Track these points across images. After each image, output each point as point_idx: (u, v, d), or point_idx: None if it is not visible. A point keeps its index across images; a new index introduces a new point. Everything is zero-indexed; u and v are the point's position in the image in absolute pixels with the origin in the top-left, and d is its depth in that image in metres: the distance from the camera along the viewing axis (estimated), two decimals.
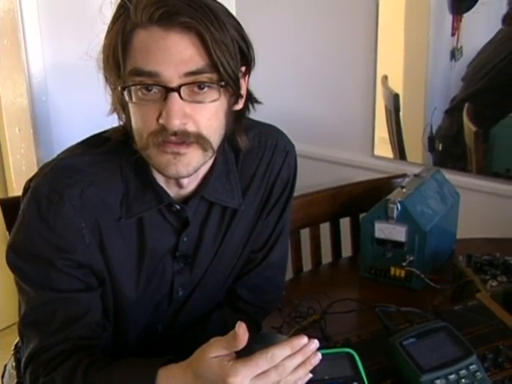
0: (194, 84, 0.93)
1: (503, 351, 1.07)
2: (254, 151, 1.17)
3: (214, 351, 0.88)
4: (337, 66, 2.36)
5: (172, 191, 1.08)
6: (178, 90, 0.92)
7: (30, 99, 2.10)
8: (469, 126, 2.08)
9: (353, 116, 2.37)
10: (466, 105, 2.08)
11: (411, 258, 1.49)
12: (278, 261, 1.29)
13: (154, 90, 0.93)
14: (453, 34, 2.05)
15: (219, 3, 0.96)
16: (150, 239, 1.09)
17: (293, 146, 1.24)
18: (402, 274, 1.51)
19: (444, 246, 1.62)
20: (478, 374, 0.99)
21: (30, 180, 1.05)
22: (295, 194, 1.30)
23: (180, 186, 1.07)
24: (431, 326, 1.07)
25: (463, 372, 0.98)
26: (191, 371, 0.91)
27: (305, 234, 1.78)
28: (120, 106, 1.00)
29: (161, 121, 0.93)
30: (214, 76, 0.94)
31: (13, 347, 1.36)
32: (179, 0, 0.90)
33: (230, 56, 0.94)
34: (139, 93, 0.94)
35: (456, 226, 1.70)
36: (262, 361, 0.86)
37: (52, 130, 2.17)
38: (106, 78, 0.99)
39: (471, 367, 0.99)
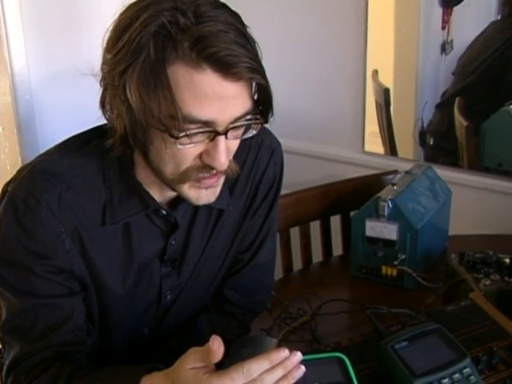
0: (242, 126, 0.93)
1: (497, 353, 1.05)
2: (239, 149, 1.14)
3: (191, 363, 0.86)
4: (326, 60, 2.33)
5: (159, 195, 1.04)
6: (226, 133, 0.90)
7: (13, 97, 2.06)
8: (460, 121, 2.06)
9: (343, 111, 2.34)
10: (457, 99, 2.06)
11: (403, 257, 1.48)
12: (266, 261, 1.27)
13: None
14: (443, 28, 2.02)
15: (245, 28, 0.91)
16: (137, 244, 1.06)
17: (279, 144, 1.21)
18: (394, 272, 1.49)
19: (436, 244, 1.60)
20: (472, 377, 0.96)
21: (8, 183, 1.02)
22: (284, 191, 1.28)
23: (166, 189, 1.03)
24: (423, 329, 1.04)
25: (457, 376, 0.96)
26: (170, 381, 0.88)
27: (294, 232, 1.75)
28: (128, 121, 0.90)
29: (207, 161, 0.92)
30: (258, 114, 0.93)
31: None
32: (234, 43, 0.85)
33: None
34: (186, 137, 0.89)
35: (448, 223, 1.69)
36: (238, 375, 0.83)
37: (37, 129, 2.12)
38: (122, 93, 0.88)
39: (465, 371, 0.97)
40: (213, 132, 0.89)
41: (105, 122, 1.01)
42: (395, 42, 2.16)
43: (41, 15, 2.07)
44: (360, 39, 2.21)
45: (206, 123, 0.87)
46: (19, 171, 1.02)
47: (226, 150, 0.91)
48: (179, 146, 0.89)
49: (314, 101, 2.39)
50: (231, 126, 0.90)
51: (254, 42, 0.90)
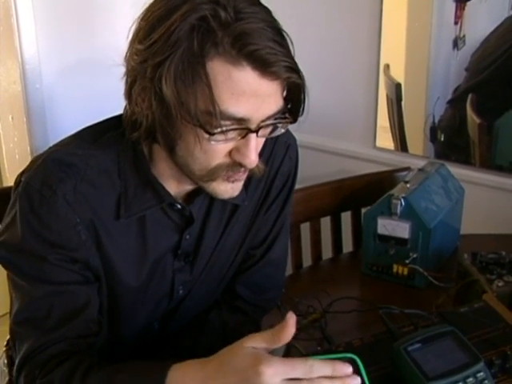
0: (272, 125, 0.92)
1: (511, 356, 1.03)
2: None
3: (252, 343, 0.84)
4: (339, 54, 2.32)
5: (175, 188, 1.03)
6: (257, 131, 0.89)
7: (23, 86, 2.05)
8: (472, 118, 2.04)
9: (355, 106, 2.33)
10: (470, 95, 2.04)
11: (414, 256, 1.46)
12: (278, 258, 1.26)
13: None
14: (456, 23, 2.00)
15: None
16: (152, 237, 1.05)
17: (294, 140, 1.21)
18: (405, 271, 1.48)
19: (448, 243, 1.59)
20: (486, 382, 0.95)
21: (22, 174, 1.00)
22: (295, 187, 1.27)
23: (184, 183, 1.02)
24: (437, 331, 1.02)
25: (470, 380, 0.94)
26: (216, 361, 0.86)
27: (305, 228, 1.74)
28: (158, 115, 0.89)
29: (237, 158, 0.91)
30: (286, 113, 0.93)
31: (4, 343, 1.32)
32: (272, 41, 0.85)
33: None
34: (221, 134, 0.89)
35: (460, 222, 1.67)
36: (300, 365, 0.81)
37: (46, 118, 2.11)
38: (156, 85, 0.86)
39: (479, 375, 0.95)
40: (245, 129, 0.88)
41: (117, 112, 1.00)
42: (407, 36, 2.14)
43: (53, 2, 2.05)
44: (374, 33, 2.19)
45: (240, 120, 0.87)
46: (32, 161, 1.00)
47: (256, 148, 0.91)
48: (212, 143, 0.88)
49: (326, 96, 2.37)
50: (262, 124, 0.89)
51: (289, 39, 0.90)
